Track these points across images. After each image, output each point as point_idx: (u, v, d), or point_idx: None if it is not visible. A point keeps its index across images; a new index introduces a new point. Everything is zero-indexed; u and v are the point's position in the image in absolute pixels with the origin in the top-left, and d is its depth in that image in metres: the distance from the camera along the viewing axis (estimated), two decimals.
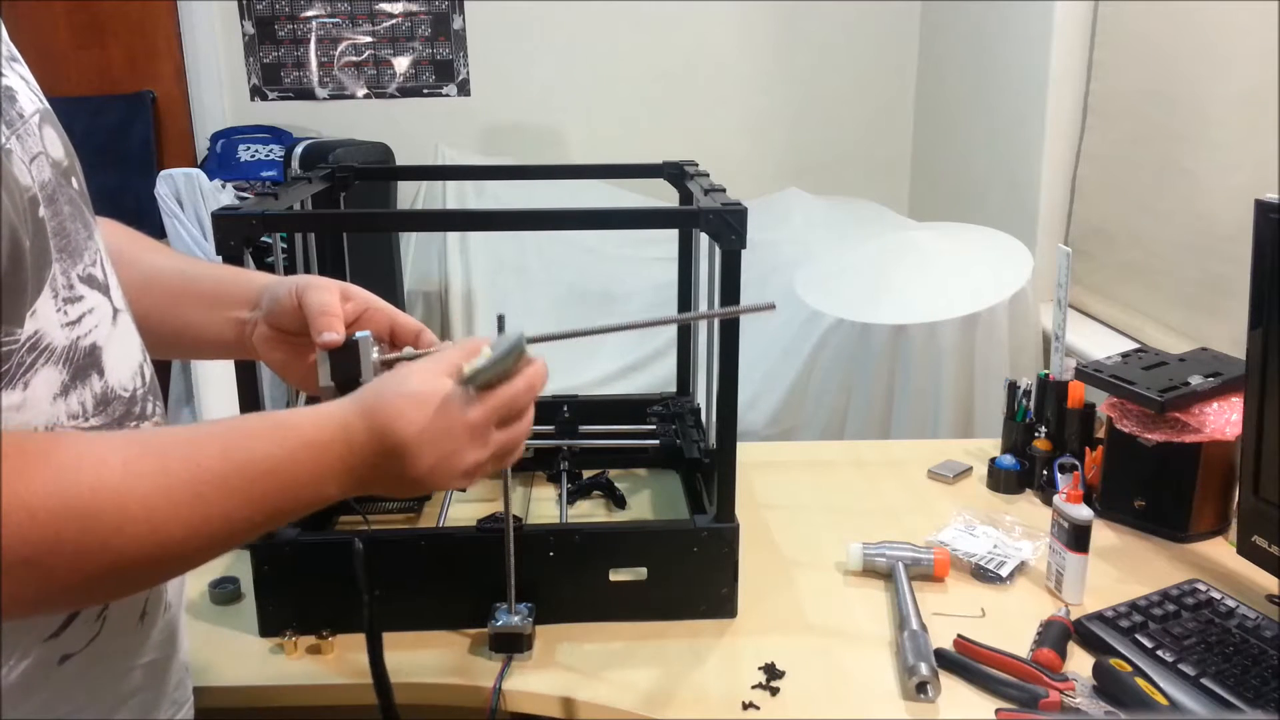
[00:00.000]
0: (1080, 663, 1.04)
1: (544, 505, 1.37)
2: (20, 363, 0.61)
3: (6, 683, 0.63)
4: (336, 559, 1.08)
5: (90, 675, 0.69)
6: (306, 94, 3.41)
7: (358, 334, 0.82)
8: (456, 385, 0.72)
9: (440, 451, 0.70)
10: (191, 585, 1.16)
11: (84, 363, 0.66)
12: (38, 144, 0.64)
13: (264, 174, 3.24)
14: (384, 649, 1.08)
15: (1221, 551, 1.26)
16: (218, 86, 3.39)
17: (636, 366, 2.52)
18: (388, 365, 0.82)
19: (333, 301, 0.82)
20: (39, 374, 0.62)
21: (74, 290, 0.66)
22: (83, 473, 0.58)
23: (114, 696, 0.71)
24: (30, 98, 0.65)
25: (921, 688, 0.99)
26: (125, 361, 0.71)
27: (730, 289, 1.05)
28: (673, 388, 1.56)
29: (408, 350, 0.84)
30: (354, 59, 3.39)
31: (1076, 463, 1.37)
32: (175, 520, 0.61)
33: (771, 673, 1.03)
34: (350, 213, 1.53)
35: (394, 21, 3.36)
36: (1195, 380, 1.28)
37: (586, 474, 1.41)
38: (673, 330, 1.60)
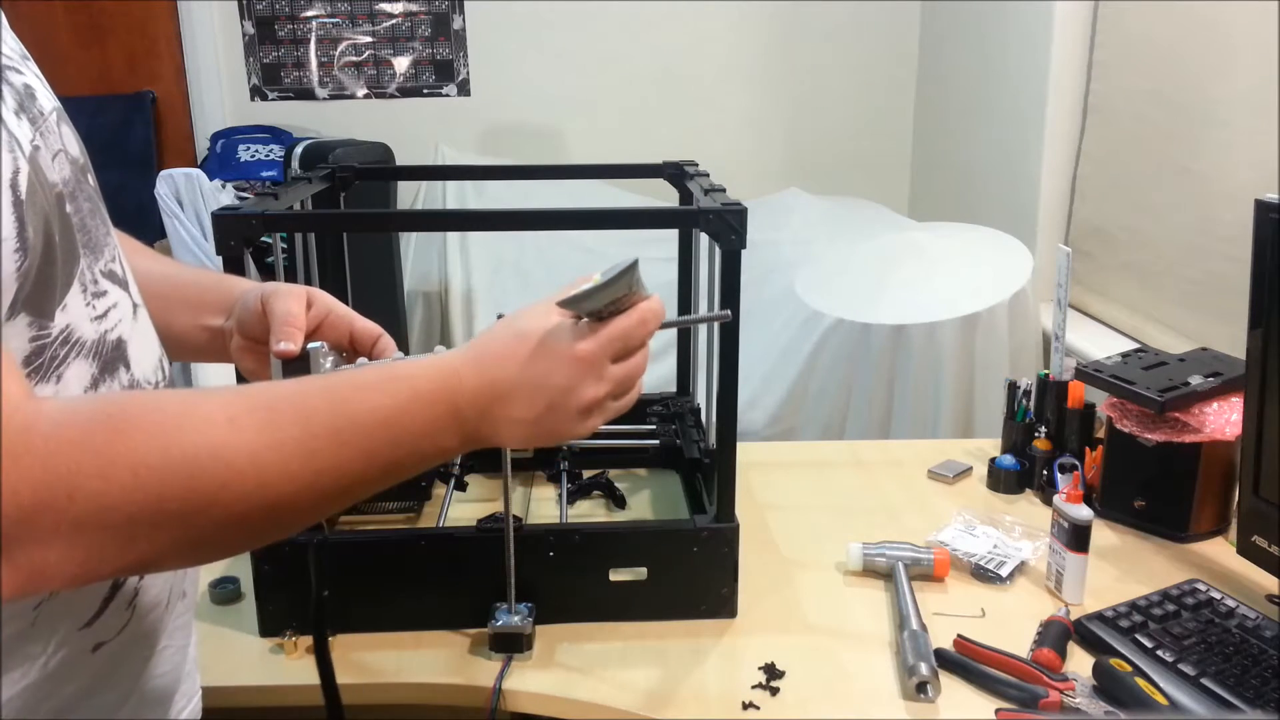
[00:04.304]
0: (1080, 663, 1.04)
1: (544, 505, 1.37)
2: (53, 356, 0.61)
3: (44, 673, 0.64)
4: (337, 559, 1.08)
5: (119, 662, 0.69)
6: (306, 94, 3.41)
7: (310, 345, 0.82)
8: (563, 319, 0.70)
9: (553, 389, 0.69)
10: None
11: (111, 356, 0.67)
12: (58, 141, 0.65)
13: (264, 174, 3.24)
14: (382, 649, 1.08)
15: (1221, 551, 1.26)
16: (218, 86, 3.39)
17: None
18: None
19: (296, 311, 0.83)
20: (71, 367, 0.63)
21: (98, 285, 0.66)
22: (186, 430, 0.57)
23: (136, 684, 0.72)
24: (47, 95, 0.66)
25: (921, 688, 0.99)
26: (147, 355, 0.72)
27: (730, 289, 1.05)
28: (673, 388, 1.57)
29: (361, 361, 0.85)
30: (354, 59, 3.39)
31: (1076, 463, 1.37)
32: (284, 475, 0.60)
33: (771, 673, 1.03)
34: (350, 213, 1.53)
35: (394, 21, 3.36)
36: (1195, 380, 1.28)
37: (586, 474, 1.41)
38: (672, 330, 1.60)
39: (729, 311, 0.84)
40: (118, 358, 0.68)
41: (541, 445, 0.72)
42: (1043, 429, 1.43)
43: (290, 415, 0.61)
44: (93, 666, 0.67)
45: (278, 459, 0.60)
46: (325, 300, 0.87)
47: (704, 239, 1.19)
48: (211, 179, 2.92)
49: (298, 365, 0.82)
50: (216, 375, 2.56)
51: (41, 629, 0.63)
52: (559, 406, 0.70)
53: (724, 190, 1.16)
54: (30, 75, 0.65)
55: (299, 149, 2.60)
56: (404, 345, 0.89)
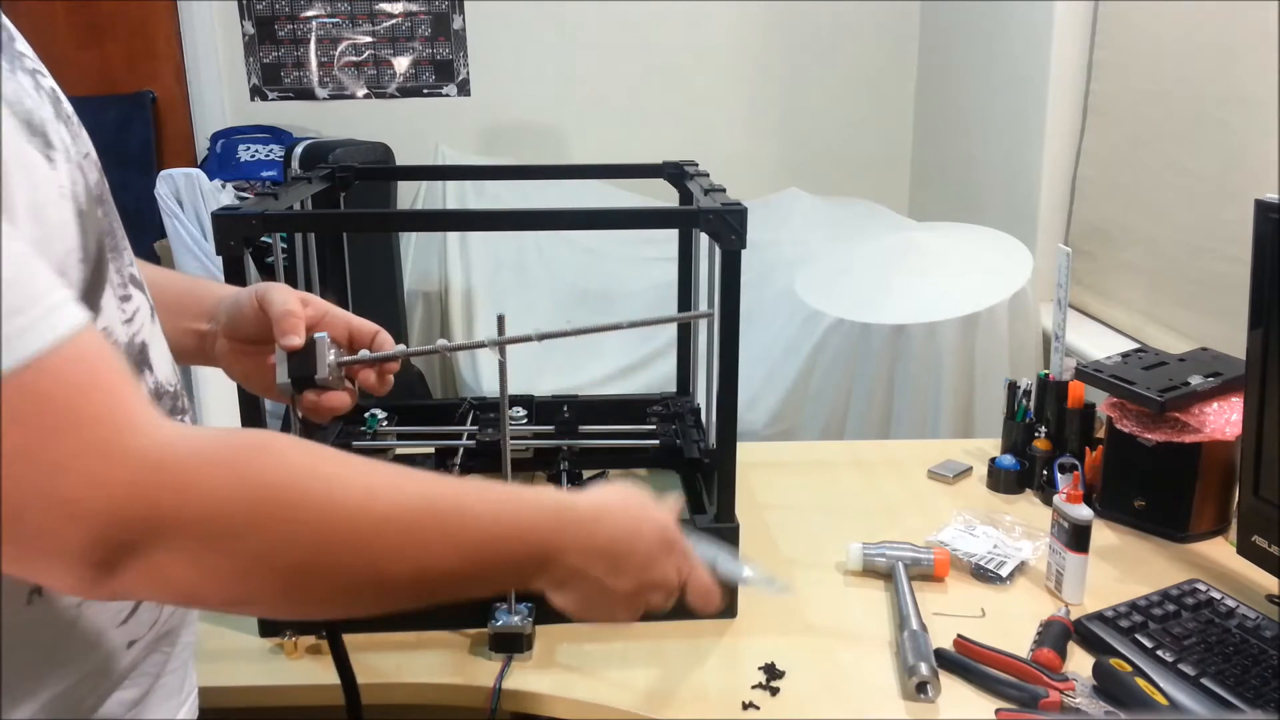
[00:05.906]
0: (1080, 663, 1.04)
1: None
2: None
3: (84, 670, 0.64)
4: None
5: (144, 658, 0.70)
6: (306, 94, 3.41)
7: (315, 335, 0.84)
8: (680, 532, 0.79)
9: (635, 565, 0.75)
10: None
11: (138, 359, 0.67)
12: (86, 144, 0.65)
13: (264, 174, 3.24)
14: (382, 649, 1.08)
15: (1221, 551, 1.26)
16: (218, 86, 3.39)
17: (636, 366, 2.52)
18: (344, 366, 0.85)
19: (294, 305, 0.84)
20: None
21: (125, 289, 0.67)
22: (335, 493, 0.59)
23: (155, 680, 0.73)
24: (65, 100, 0.66)
25: (921, 688, 0.99)
26: (164, 358, 0.73)
27: (730, 289, 1.05)
28: (673, 388, 1.56)
29: (363, 353, 0.86)
30: (354, 59, 3.39)
31: (1076, 463, 1.37)
32: (399, 555, 0.61)
33: (771, 673, 1.03)
34: (350, 213, 1.53)
35: (394, 21, 3.36)
36: (1195, 380, 1.28)
37: (586, 474, 1.41)
38: (673, 330, 1.60)
39: (711, 311, 0.87)
40: (143, 360, 0.68)
41: (578, 613, 0.76)
42: (1043, 429, 1.43)
43: (428, 508, 0.63)
44: (124, 662, 0.68)
45: (405, 540, 0.61)
46: (319, 301, 0.88)
47: (704, 239, 1.19)
48: (211, 179, 2.92)
49: (302, 355, 0.83)
50: (217, 376, 2.56)
51: (85, 627, 0.64)
52: (625, 570, 0.74)
53: (724, 190, 1.16)
54: (50, 79, 0.65)
55: (299, 149, 2.60)
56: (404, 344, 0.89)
